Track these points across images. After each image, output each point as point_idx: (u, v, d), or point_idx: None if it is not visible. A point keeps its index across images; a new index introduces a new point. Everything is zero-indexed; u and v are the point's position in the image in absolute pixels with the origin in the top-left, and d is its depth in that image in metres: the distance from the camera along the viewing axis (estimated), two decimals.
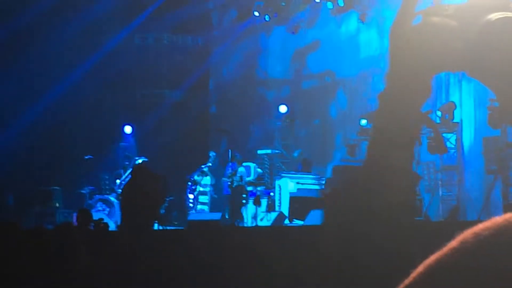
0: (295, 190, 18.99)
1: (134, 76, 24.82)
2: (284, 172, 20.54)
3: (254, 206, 18.68)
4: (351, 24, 22.29)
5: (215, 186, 21.34)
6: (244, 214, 19.31)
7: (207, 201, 20.99)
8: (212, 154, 21.66)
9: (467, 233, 1.87)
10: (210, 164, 21.29)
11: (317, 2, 22.72)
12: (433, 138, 16.86)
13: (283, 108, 22.36)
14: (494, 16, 9.49)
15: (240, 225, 18.45)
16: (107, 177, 21.56)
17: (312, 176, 20.07)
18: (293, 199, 18.36)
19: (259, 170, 20.98)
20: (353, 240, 8.91)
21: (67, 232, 8.08)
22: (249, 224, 18.61)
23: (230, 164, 20.35)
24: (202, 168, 21.11)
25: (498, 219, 1.85)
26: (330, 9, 22.38)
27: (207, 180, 21.17)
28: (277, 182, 19.61)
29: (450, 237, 2.03)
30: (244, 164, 20.65)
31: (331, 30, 23.10)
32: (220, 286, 9.60)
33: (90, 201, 20.58)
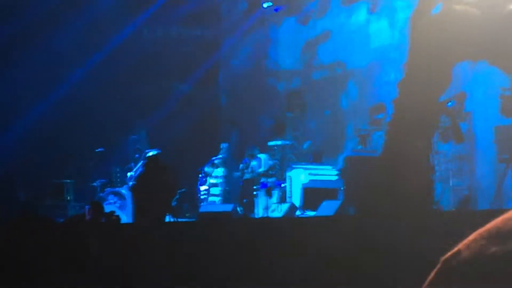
0: (306, 181, 18.99)
1: (144, 69, 24.80)
2: (295, 163, 20.53)
3: (265, 198, 18.67)
4: (361, 14, 22.23)
5: (227, 178, 21.33)
6: (255, 205, 19.32)
7: (218, 193, 20.99)
8: (223, 146, 21.64)
9: (480, 231, 1.86)
10: (222, 156, 21.28)
11: None
12: (449, 127, 16.77)
13: (294, 100, 22.35)
14: None
15: (252, 216, 18.45)
16: (118, 170, 21.59)
17: (324, 167, 20.06)
18: (305, 190, 18.35)
19: (270, 161, 20.97)
20: (369, 230, 8.87)
21: (79, 224, 8.08)
22: (261, 216, 18.61)
23: (245, 159, 20.38)
24: (213, 160, 21.10)
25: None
26: None
27: (218, 172, 21.16)
28: (288, 173, 19.60)
29: (462, 226, 2.01)
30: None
31: (341, 21, 23.04)
32: (233, 277, 9.60)
33: (101, 194, 20.62)
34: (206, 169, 20.96)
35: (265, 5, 23.71)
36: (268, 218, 17.69)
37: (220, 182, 21.13)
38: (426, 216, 9.22)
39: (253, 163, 20.15)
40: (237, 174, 20.22)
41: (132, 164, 21.52)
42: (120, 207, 19.84)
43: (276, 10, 23.75)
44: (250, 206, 19.26)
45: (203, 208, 19.25)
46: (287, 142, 22.22)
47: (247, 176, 19.77)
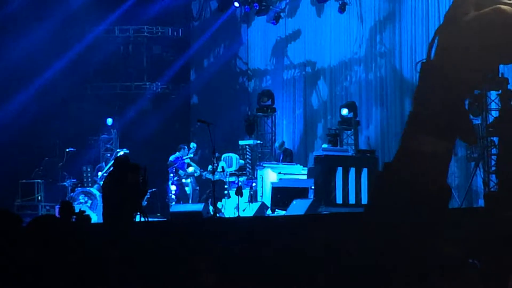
0: (277, 180, 19.00)
1: (115, 68, 24.77)
2: (266, 162, 20.54)
3: (236, 197, 18.66)
4: (331, 13, 22.28)
5: (197, 177, 21.33)
6: (226, 205, 19.31)
7: (189, 192, 20.96)
8: (193, 145, 21.63)
9: None
10: (192, 156, 21.27)
11: None
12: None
13: (265, 99, 22.32)
14: None
15: (222, 216, 18.42)
16: (89, 169, 21.54)
17: (294, 166, 20.08)
18: (275, 189, 18.36)
19: (240, 161, 20.99)
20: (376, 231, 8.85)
21: (47, 225, 8.00)
22: (232, 215, 18.60)
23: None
24: (184, 159, 21.07)
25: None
26: None
27: (188, 171, 21.14)
28: (258, 173, 19.61)
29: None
30: (225, 155, 20.67)
31: (312, 20, 23.09)
32: (203, 277, 9.60)
33: (72, 194, 20.57)
34: (177, 168, 20.93)
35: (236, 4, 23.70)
36: (239, 217, 17.69)
37: (190, 182, 21.11)
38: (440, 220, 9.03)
39: (222, 163, 20.14)
40: (208, 175, 20.06)
41: (103, 163, 21.51)
42: (91, 207, 19.80)
43: (247, 9, 23.78)
44: (221, 205, 19.24)
45: (174, 207, 19.21)
46: (258, 141, 22.23)
47: (217, 175, 19.70)
